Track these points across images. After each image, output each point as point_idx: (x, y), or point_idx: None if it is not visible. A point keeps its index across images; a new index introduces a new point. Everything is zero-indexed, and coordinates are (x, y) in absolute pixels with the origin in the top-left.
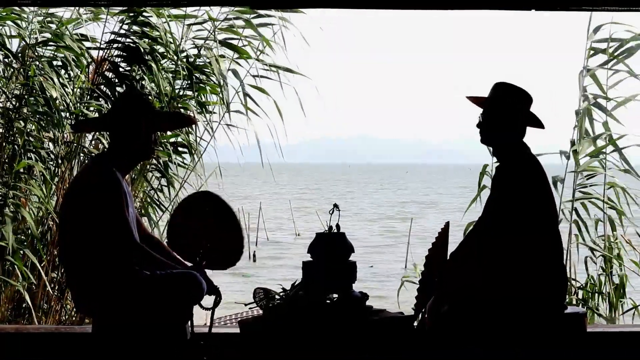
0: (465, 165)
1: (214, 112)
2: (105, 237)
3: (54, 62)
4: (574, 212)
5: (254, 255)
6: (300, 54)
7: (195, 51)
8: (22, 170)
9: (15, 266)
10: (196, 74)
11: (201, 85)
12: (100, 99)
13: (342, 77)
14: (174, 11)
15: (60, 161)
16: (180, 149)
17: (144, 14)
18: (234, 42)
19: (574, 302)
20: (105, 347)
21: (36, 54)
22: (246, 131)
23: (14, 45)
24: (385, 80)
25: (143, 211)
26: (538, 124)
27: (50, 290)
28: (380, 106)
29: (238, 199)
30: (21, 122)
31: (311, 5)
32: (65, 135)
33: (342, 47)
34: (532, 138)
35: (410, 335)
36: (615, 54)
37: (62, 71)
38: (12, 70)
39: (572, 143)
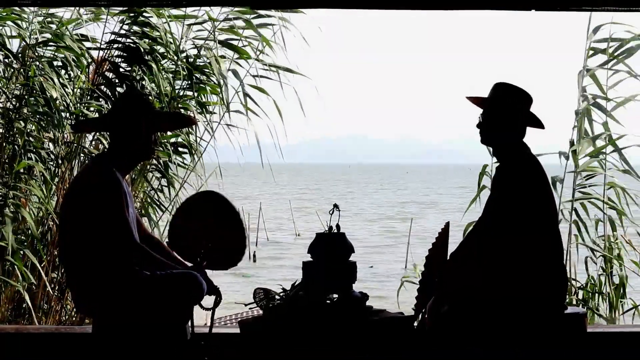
0: (465, 165)
1: (214, 113)
2: (106, 237)
3: (54, 63)
4: (573, 212)
5: (254, 256)
6: (300, 54)
7: (195, 51)
8: (22, 170)
9: (15, 266)
10: (196, 74)
11: (201, 85)
12: (101, 99)
13: (341, 78)
14: (174, 11)
15: (60, 161)
16: (180, 149)
17: (144, 14)
18: (234, 42)
19: (574, 302)
20: (106, 348)
21: (36, 54)
22: (246, 131)
23: (15, 45)
24: (384, 81)
25: (143, 211)
26: (538, 124)
27: (50, 290)
28: (379, 106)
29: (238, 199)
30: (21, 122)
31: (311, 6)
32: (66, 136)
33: (342, 47)
34: (532, 138)
35: (410, 336)
36: (615, 54)
37: (62, 71)
38: (12, 70)
39: (572, 143)
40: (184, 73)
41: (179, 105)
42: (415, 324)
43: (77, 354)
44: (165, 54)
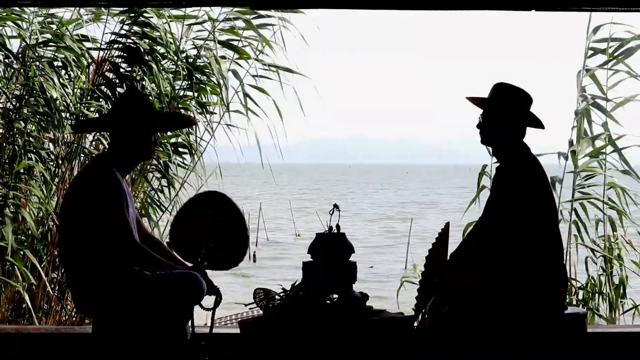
0: (465, 166)
1: (214, 113)
2: (105, 237)
3: (55, 63)
4: (573, 212)
5: (254, 256)
6: (300, 55)
7: (195, 52)
8: (22, 170)
9: (15, 267)
10: (196, 75)
11: (201, 85)
12: (101, 100)
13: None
14: (174, 12)
15: (60, 162)
16: (180, 149)
17: (145, 14)
18: (234, 42)
19: (574, 302)
20: (106, 348)
21: (36, 54)
22: (246, 131)
23: (15, 46)
24: (384, 81)
25: (143, 211)
26: (538, 124)
27: (50, 290)
28: (379, 107)
29: (238, 199)
30: (21, 122)
31: (311, 6)
32: (66, 136)
33: (342, 47)
34: (531, 138)
35: (410, 336)
36: (615, 54)
37: (63, 72)
38: (12, 70)
39: (570, 143)
40: (184, 73)
41: (179, 106)
42: (416, 324)
43: (77, 354)
44: (166, 54)
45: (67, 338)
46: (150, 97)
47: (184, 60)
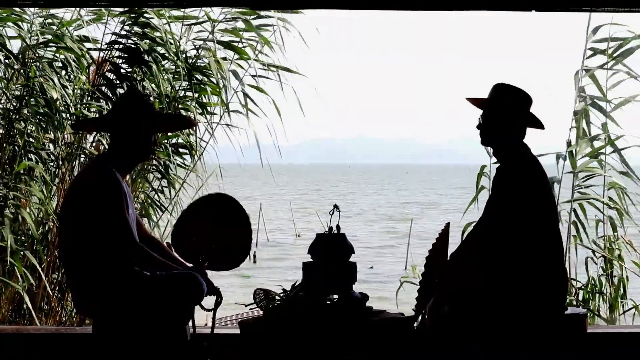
0: (465, 166)
1: (215, 114)
2: (105, 238)
3: (55, 63)
4: (572, 213)
5: (254, 256)
6: (300, 55)
7: (195, 52)
8: (22, 171)
9: (15, 267)
10: (197, 75)
11: (202, 86)
12: (101, 100)
13: (341, 78)
14: (175, 12)
15: (60, 162)
16: (180, 149)
17: (145, 15)
18: (234, 43)
19: (574, 303)
20: (106, 348)
21: (37, 55)
22: (246, 132)
23: (15, 46)
24: (384, 81)
25: (144, 212)
26: (538, 124)
27: (50, 291)
28: (379, 107)
29: (238, 200)
30: (21, 123)
31: (311, 6)
32: (66, 137)
33: (342, 48)
34: (531, 139)
35: (410, 336)
36: (615, 55)
37: (63, 72)
38: (12, 71)
39: (569, 144)
40: (184, 74)
41: (180, 106)
42: (416, 324)
43: (78, 354)
44: (166, 54)
45: (67, 338)
46: (151, 98)
47: (184, 61)
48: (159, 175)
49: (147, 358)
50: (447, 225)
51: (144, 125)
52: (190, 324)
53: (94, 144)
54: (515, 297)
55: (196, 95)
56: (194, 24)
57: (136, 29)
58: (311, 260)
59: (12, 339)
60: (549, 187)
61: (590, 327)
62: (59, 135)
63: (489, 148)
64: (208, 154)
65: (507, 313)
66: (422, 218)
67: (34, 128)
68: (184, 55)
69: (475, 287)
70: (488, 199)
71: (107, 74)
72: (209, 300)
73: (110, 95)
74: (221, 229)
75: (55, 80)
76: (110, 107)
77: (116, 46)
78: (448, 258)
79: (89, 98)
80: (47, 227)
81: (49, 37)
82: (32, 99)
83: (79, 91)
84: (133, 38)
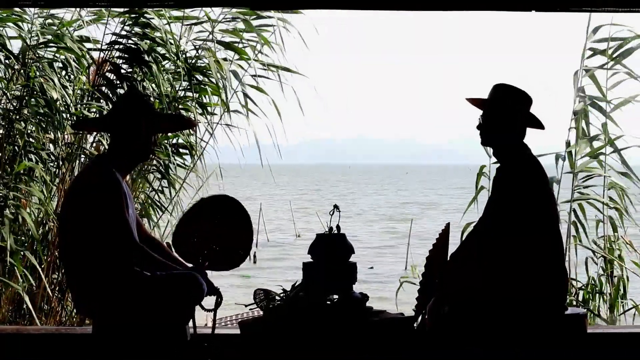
0: (465, 166)
1: (215, 114)
2: (105, 238)
3: (55, 64)
4: (572, 213)
5: (254, 256)
6: (300, 55)
7: (195, 52)
8: (22, 171)
9: (15, 268)
10: (197, 75)
11: (202, 86)
12: (101, 100)
13: (341, 78)
14: (175, 12)
15: (60, 163)
16: (180, 150)
17: (145, 15)
18: (234, 43)
19: (574, 303)
20: (106, 348)
21: (37, 55)
22: (246, 132)
23: (15, 46)
24: (384, 81)
25: (144, 212)
26: (538, 124)
27: (50, 291)
28: (379, 107)
29: (239, 200)
30: (22, 123)
31: (311, 6)
32: (66, 137)
33: (342, 48)
34: (531, 139)
35: (411, 336)
36: (614, 55)
37: (63, 72)
38: (13, 71)
39: (568, 144)
40: (184, 74)
41: (180, 106)
42: (416, 324)
43: (78, 354)
44: (166, 54)
45: (67, 338)
46: (151, 98)
47: (184, 61)
48: (159, 176)
49: (147, 358)
50: (447, 225)
51: (144, 126)
52: (190, 324)
53: (94, 144)
54: (515, 297)
55: (196, 95)
56: (194, 24)
57: (136, 29)
58: (311, 260)
59: (13, 339)
60: (549, 187)
61: (590, 327)
62: (59, 135)
63: (489, 148)
64: (208, 154)
65: (507, 313)
66: (422, 218)
67: (34, 128)
68: (184, 56)
69: (476, 287)
70: (488, 199)
71: (107, 74)
72: (209, 301)
73: (111, 95)
74: (222, 230)
75: (56, 80)
76: (111, 107)
77: (116, 46)
78: (448, 258)
79: (89, 98)
80: (47, 227)
81: (49, 37)
82: (32, 99)
83: (79, 91)
84: (133, 38)
